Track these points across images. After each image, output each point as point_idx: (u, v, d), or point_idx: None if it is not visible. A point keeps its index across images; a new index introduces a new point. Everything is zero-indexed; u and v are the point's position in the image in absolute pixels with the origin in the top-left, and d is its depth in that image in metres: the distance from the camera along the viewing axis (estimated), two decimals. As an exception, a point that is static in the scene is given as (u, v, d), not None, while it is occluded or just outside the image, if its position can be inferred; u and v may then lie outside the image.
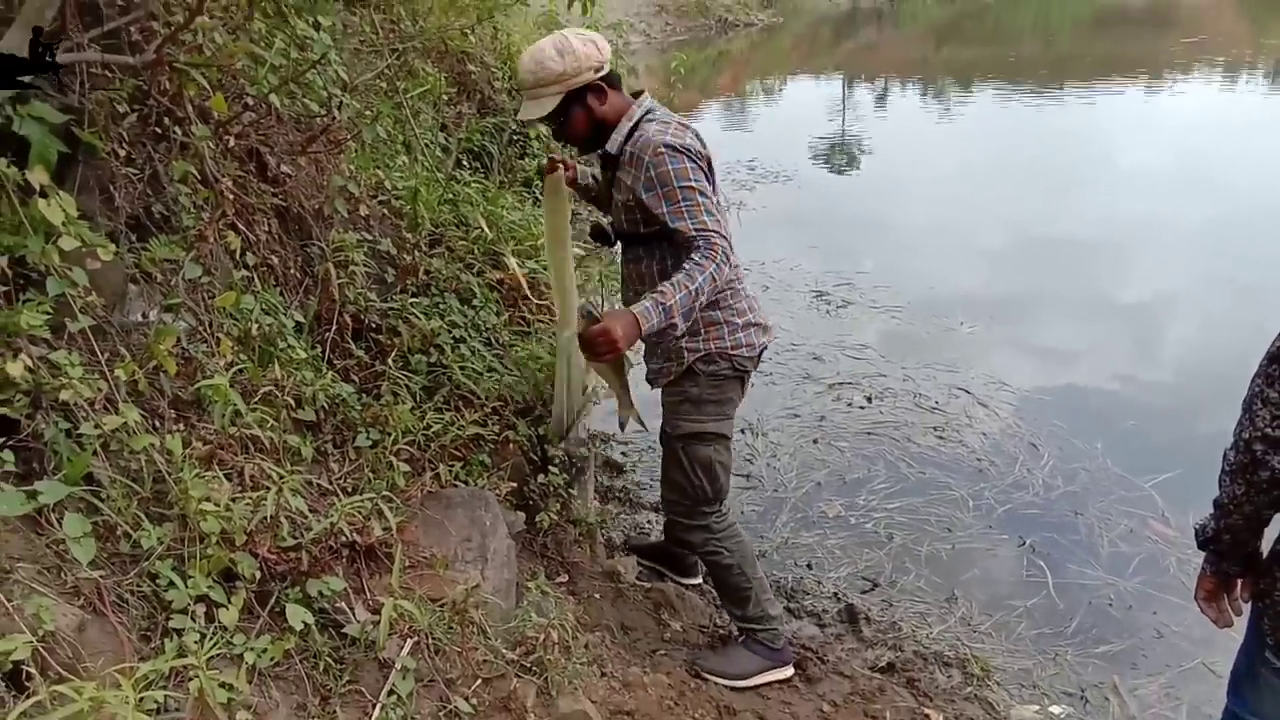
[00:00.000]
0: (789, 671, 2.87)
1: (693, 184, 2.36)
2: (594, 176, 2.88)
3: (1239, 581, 1.84)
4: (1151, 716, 2.97)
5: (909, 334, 5.80)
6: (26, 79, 1.77)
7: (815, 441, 4.59)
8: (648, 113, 2.52)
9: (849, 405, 4.94)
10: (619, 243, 2.71)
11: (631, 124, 2.50)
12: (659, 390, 2.75)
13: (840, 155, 11.05)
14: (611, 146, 2.52)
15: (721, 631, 3.08)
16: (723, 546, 2.77)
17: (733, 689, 2.77)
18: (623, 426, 2.99)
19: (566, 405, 3.24)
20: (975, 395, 5.00)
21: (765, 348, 2.70)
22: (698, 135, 2.52)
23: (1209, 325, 6.03)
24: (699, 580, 3.43)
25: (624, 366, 2.65)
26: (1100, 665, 3.19)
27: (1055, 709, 2.94)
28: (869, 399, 4.99)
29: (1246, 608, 1.86)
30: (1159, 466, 4.21)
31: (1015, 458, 4.40)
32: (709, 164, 2.50)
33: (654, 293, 2.28)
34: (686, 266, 2.32)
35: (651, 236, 2.54)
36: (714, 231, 2.32)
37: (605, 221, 2.76)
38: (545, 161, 2.86)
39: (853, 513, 4.03)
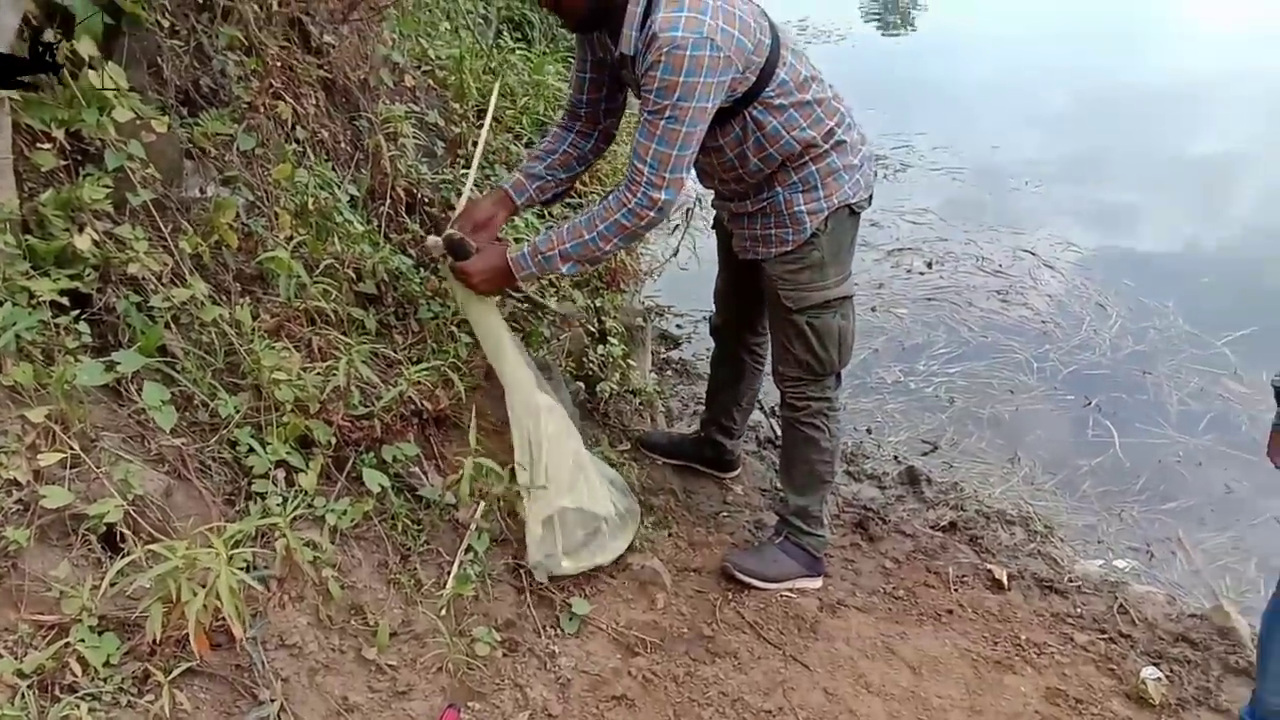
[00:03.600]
0: (819, 583, 2.63)
1: (688, 104, 2.02)
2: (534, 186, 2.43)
3: None
4: (1219, 569, 2.97)
5: (971, 196, 5.62)
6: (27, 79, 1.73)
7: (873, 309, 4.52)
8: None
9: (908, 271, 4.84)
10: None
11: (641, 8, 2.04)
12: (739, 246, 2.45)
13: (895, 13, 10.51)
14: (625, 45, 2.08)
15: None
16: (829, 426, 2.52)
17: (761, 589, 2.55)
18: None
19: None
20: (1040, 257, 4.86)
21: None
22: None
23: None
24: (738, 473, 3.13)
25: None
26: (1167, 521, 3.18)
27: (1120, 563, 2.95)
28: (929, 264, 4.88)
29: None
30: (1234, 324, 4.10)
31: (1081, 319, 4.31)
32: (752, 30, 2.09)
33: (543, 235, 2.20)
34: (596, 208, 2.15)
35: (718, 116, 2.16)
36: (661, 173, 2.07)
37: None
38: (436, 252, 2.36)
39: (912, 378, 3.99)
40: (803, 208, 2.28)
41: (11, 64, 1.70)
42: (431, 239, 2.35)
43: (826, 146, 2.25)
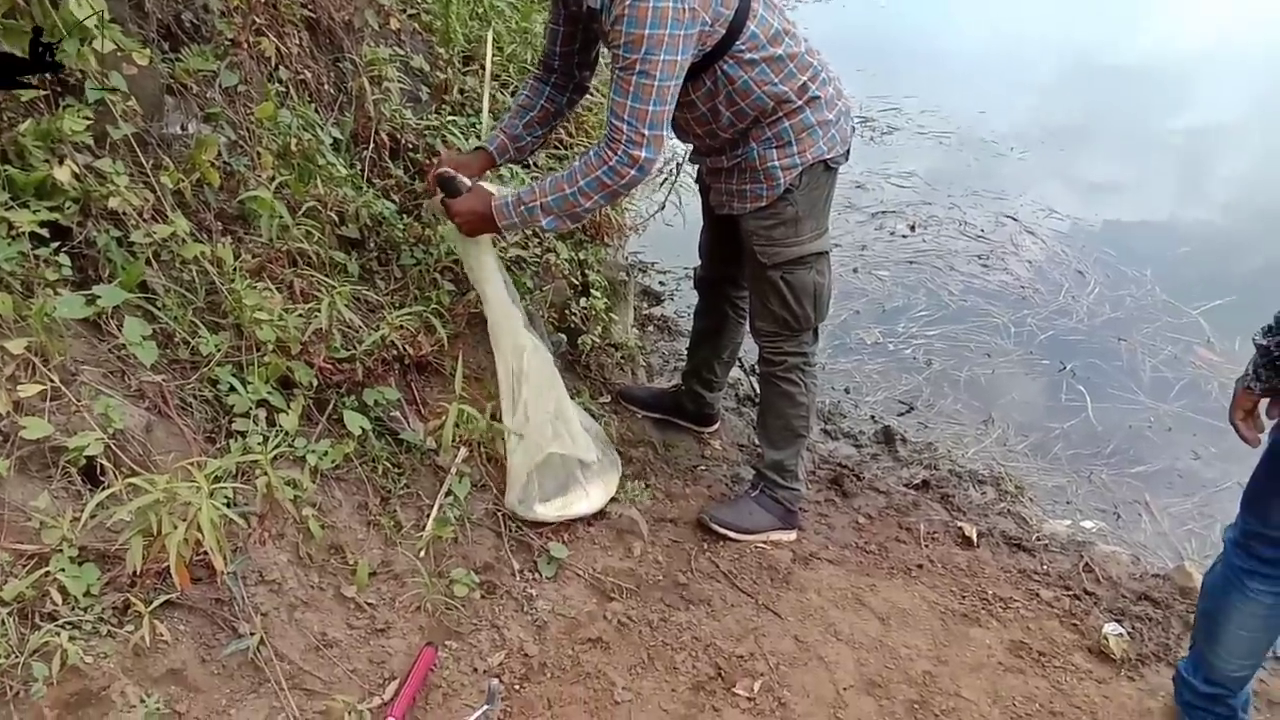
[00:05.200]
0: (794, 536, 2.68)
1: (657, 57, 2.01)
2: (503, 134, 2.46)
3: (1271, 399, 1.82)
4: (1185, 533, 3.04)
5: (957, 161, 5.62)
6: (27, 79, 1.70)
7: (855, 271, 4.53)
8: None
9: (891, 234, 4.85)
10: None
11: None
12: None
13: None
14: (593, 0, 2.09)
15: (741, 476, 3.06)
16: (805, 381, 2.55)
17: (736, 541, 2.60)
18: None
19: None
20: (1023, 223, 4.89)
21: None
22: None
23: (1266, 157, 5.81)
24: (716, 427, 3.18)
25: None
26: (1135, 484, 3.24)
27: (1087, 523, 3.01)
28: (912, 227, 4.89)
29: (1269, 425, 1.85)
30: (1209, 294, 4.15)
31: (1060, 285, 4.34)
32: None
33: (527, 186, 2.22)
34: (577, 163, 2.16)
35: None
36: (640, 129, 2.06)
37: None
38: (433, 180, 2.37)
39: (891, 339, 4.02)
40: (776, 163, 2.28)
41: (12, 64, 1.67)
42: (428, 203, 2.38)
43: (800, 102, 2.23)
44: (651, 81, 2.03)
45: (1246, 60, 7.28)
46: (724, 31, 2.11)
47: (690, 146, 2.53)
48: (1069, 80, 7.04)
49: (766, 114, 2.24)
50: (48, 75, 1.80)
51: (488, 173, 2.56)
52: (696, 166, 2.61)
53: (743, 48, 2.15)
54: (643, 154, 2.09)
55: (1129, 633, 2.46)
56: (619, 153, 2.09)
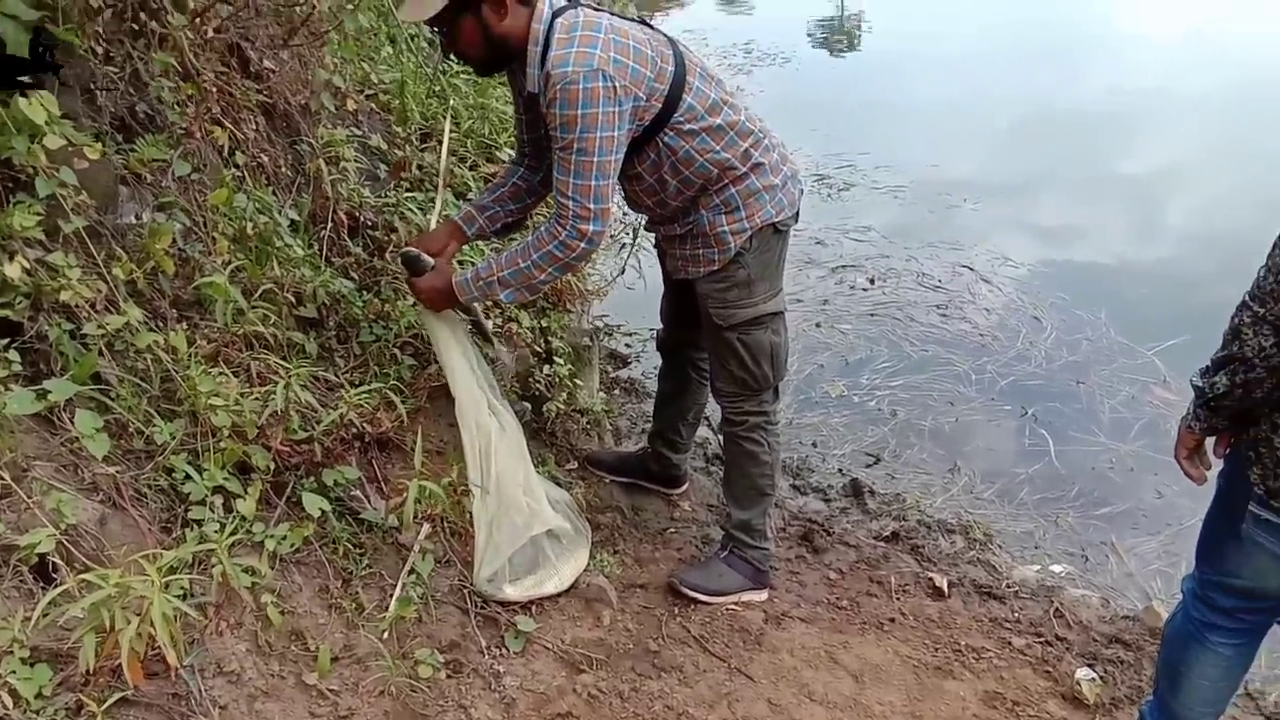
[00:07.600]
0: (764, 595, 2.68)
1: (593, 135, 2.09)
2: (476, 209, 2.52)
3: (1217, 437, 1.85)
4: (1151, 572, 3.06)
5: (912, 214, 5.74)
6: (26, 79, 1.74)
7: (818, 325, 4.59)
8: (555, 14, 2.11)
9: (851, 288, 4.93)
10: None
11: (540, 48, 2.10)
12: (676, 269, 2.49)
13: (840, 35, 10.74)
14: (531, 84, 2.15)
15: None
16: (768, 440, 2.59)
17: (707, 604, 2.59)
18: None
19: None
20: (979, 272, 4.98)
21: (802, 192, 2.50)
22: (626, 38, 2.12)
23: (1215, 196, 5.96)
24: (684, 488, 3.18)
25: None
26: (1101, 526, 3.27)
27: (1056, 568, 3.03)
28: (872, 281, 4.97)
29: (1216, 463, 1.87)
30: (1163, 334, 4.22)
31: (1018, 331, 4.42)
32: (649, 59, 2.15)
33: (485, 261, 2.31)
34: (530, 238, 2.25)
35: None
36: (585, 204, 2.13)
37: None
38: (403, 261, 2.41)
39: (855, 392, 4.06)
40: (726, 228, 2.34)
41: (11, 64, 1.69)
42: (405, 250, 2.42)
43: (744, 169, 2.30)
44: (590, 158, 2.10)
45: (1197, 102, 7.51)
46: (660, 106, 2.19)
47: (645, 216, 2.59)
48: (1019, 129, 7.24)
49: (712, 181, 2.30)
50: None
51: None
52: (653, 234, 2.66)
53: (681, 119, 2.22)
54: (590, 227, 2.16)
55: (1101, 677, 2.46)
56: (567, 228, 2.16)
